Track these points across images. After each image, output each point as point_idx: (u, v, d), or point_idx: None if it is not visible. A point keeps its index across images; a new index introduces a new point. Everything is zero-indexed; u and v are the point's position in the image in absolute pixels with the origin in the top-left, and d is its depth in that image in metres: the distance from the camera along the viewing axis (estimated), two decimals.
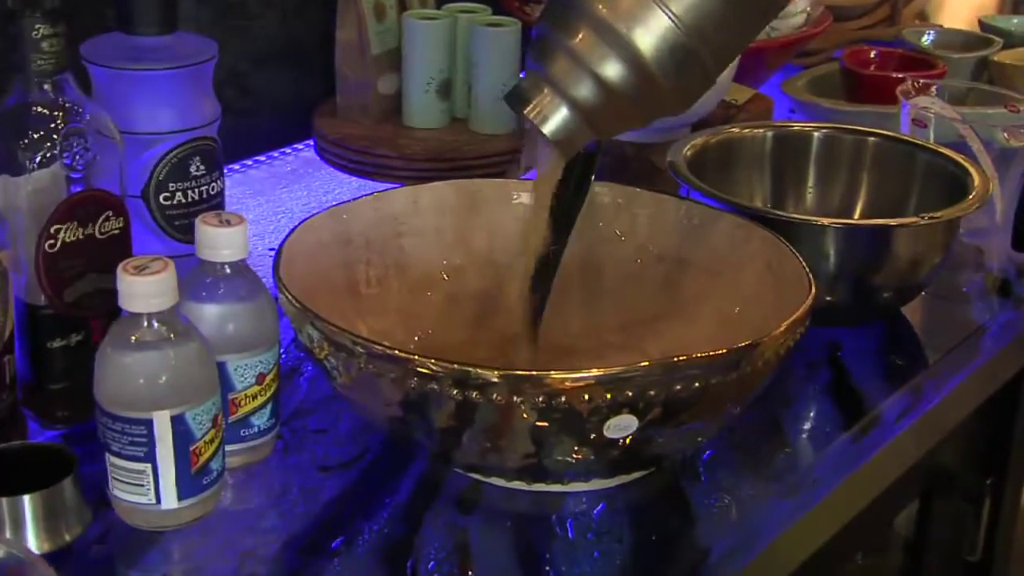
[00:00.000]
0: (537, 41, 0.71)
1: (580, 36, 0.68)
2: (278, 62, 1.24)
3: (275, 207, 1.12)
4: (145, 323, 0.66)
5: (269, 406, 0.75)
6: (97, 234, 0.75)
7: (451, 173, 1.10)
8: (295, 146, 1.24)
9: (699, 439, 0.73)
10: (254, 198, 1.14)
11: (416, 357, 0.65)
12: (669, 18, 0.67)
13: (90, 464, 0.70)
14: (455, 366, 0.65)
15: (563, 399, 0.64)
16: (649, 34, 0.67)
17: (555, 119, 0.70)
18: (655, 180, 1.11)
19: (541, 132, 0.70)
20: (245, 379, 0.73)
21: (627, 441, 0.67)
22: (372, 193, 0.86)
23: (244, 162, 1.20)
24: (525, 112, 0.70)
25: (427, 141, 1.17)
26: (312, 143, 1.22)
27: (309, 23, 1.26)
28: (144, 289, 0.65)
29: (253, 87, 1.22)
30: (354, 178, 1.16)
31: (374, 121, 1.19)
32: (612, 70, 0.68)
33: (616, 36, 0.67)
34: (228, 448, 0.73)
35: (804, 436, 0.84)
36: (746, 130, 1.03)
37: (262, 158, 1.22)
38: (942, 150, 0.99)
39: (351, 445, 0.78)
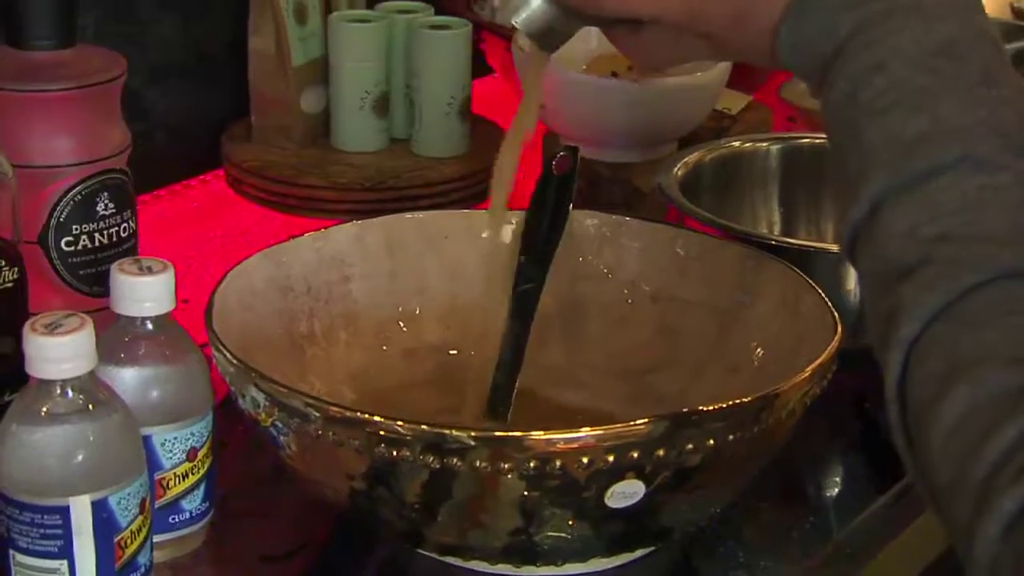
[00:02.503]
0: None
1: None
2: (178, 76, 1.28)
3: (182, 250, 1.16)
4: (58, 391, 0.69)
5: (202, 487, 0.78)
6: None
7: (393, 205, 1.14)
8: (201, 177, 1.28)
9: (713, 507, 0.77)
10: (155, 240, 1.17)
11: (380, 419, 0.69)
12: None
13: None
14: (425, 427, 0.68)
15: (557, 464, 0.68)
16: None
17: (527, 5, 0.75)
18: (637, 206, 1.16)
19: (512, 24, 0.75)
20: (174, 455, 0.76)
21: (632, 511, 0.71)
22: (311, 231, 0.90)
23: (139, 197, 1.23)
24: None
25: (363, 168, 1.21)
26: (222, 173, 1.25)
27: (216, 29, 1.29)
28: (58, 351, 0.68)
29: (148, 107, 1.25)
30: (276, 213, 1.20)
31: (298, 145, 1.23)
32: None
33: None
34: (155, 539, 0.76)
35: (832, 502, 0.88)
36: (747, 144, 1.09)
37: (162, 192, 1.25)
38: None
39: (297, 530, 0.82)
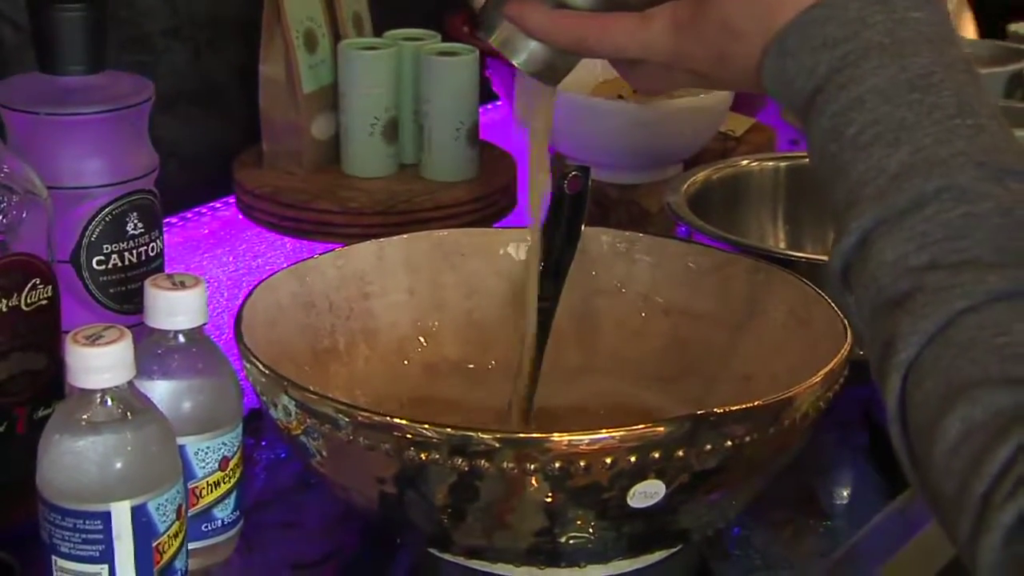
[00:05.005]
0: None
1: None
2: (189, 105, 1.32)
3: None
4: (98, 401, 0.74)
5: (233, 495, 0.82)
6: (23, 306, 0.82)
7: (404, 228, 1.18)
8: (212, 204, 1.33)
9: (731, 508, 0.82)
10: (169, 266, 1.20)
11: (407, 422, 0.73)
12: None
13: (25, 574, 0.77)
14: (451, 430, 0.73)
15: (581, 464, 0.73)
16: None
17: (525, 48, 0.79)
18: (644, 225, 1.21)
19: (511, 63, 0.79)
20: (207, 464, 0.80)
21: (653, 511, 0.75)
22: (334, 249, 0.94)
23: None
24: (490, 40, 0.79)
25: (374, 192, 1.25)
26: (233, 200, 1.29)
27: (226, 58, 1.34)
28: (99, 362, 0.73)
29: (159, 136, 1.28)
30: (288, 239, 1.24)
31: (308, 171, 1.27)
32: None
33: None
34: (188, 546, 0.80)
35: (844, 507, 0.93)
36: (754, 163, 1.14)
37: (173, 219, 1.29)
38: None
39: (325, 539, 0.86)
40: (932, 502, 0.61)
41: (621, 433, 0.73)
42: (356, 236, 1.19)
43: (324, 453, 0.78)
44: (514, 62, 0.80)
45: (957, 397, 0.58)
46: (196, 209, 1.32)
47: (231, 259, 1.23)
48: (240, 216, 1.28)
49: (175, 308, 0.79)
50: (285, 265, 0.94)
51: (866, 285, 0.64)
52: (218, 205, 1.33)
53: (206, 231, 1.29)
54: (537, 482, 0.73)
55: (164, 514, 0.75)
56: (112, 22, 1.21)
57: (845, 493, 0.95)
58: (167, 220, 1.29)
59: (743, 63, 0.71)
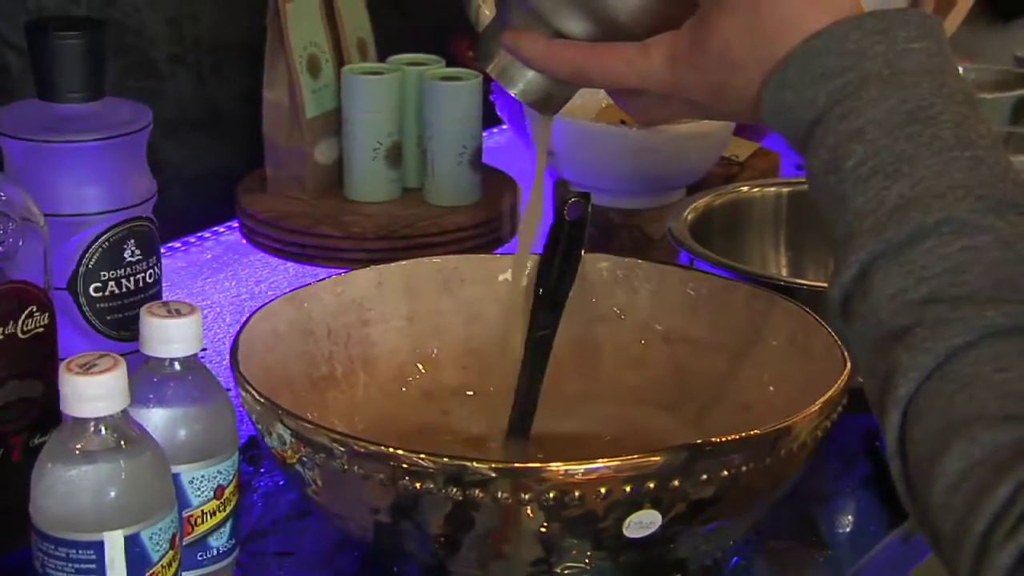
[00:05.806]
0: None
1: None
2: (193, 130, 1.32)
3: (197, 301, 1.19)
4: (92, 429, 0.73)
5: (229, 524, 0.82)
6: (19, 333, 0.82)
7: (407, 253, 1.18)
8: (216, 229, 1.33)
9: (728, 538, 0.81)
10: (171, 291, 1.21)
11: (403, 452, 0.73)
12: None
13: None
14: (447, 460, 0.72)
15: (576, 494, 0.72)
16: None
17: (522, 78, 0.78)
18: (647, 251, 1.20)
19: (509, 93, 0.79)
20: (202, 493, 0.80)
21: (649, 542, 0.75)
22: (332, 276, 0.94)
23: None
24: (487, 69, 0.79)
25: (377, 217, 1.25)
26: (237, 224, 1.29)
27: (230, 83, 1.34)
28: (93, 390, 0.72)
29: (163, 160, 1.30)
30: (290, 264, 1.24)
31: (312, 196, 1.27)
32: (575, 26, 0.75)
33: None
34: (183, 575, 0.79)
35: (845, 537, 0.92)
36: (755, 189, 1.13)
37: (177, 244, 1.29)
38: None
39: (322, 568, 0.85)
40: (932, 539, 0.60)
41: (616, 463, 0.72)
42: (359, 261, 1.19)
43: (319, 482, 0.77)
44: (511, 92, 0.79)
45: (956, 434, 0.58)
46: (199, 233, 1.32)
47: (233, 284, 1.23)
48: (243, 241, 1.28)
49: (170, 336, 0.79)
50: (287, 290, 0.94)
51: (865, 318, 0.64)
52: (221, 230, 1.33)
53: (209, 256, 1.29)
54: (532, 512, 0.73)
55: (158, 543, 0.75)
56: (117, 48, 1.22)
57: (846, 522, 0.94)
58: (170, 245, 1.29)
59: (741, 94, 0.71)
